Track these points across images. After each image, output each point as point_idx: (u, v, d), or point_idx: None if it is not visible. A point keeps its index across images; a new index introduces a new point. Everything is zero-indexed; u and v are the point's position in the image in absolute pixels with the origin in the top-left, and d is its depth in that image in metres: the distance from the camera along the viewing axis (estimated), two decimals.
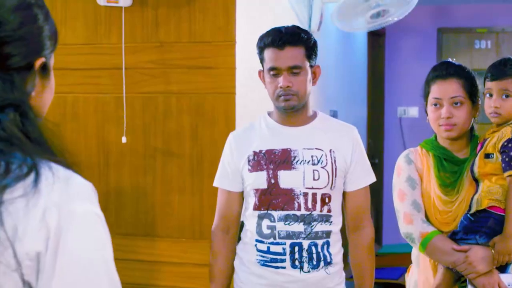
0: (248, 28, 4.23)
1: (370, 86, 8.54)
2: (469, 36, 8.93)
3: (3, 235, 1.23)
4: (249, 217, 3.17)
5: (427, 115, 3.23)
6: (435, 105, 3.14)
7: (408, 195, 3.15)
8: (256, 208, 3.13)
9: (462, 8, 8.83)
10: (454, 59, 3.34)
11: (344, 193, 3.21)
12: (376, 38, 8.74)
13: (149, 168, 4.28)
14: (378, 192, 8.42)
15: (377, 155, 8.72)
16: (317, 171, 3.08)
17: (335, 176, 3.11)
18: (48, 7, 1.52)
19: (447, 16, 8.95)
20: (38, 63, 1.42)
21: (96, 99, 4.36)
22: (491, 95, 3.08)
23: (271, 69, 3.07)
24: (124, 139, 4.23)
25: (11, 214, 1.25)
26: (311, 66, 3.12)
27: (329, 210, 3.11)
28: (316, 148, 3.12)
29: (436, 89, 3.13)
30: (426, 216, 3.15)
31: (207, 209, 4.14)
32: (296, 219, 3.06)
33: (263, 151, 3.13)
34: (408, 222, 3.13)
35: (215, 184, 3.28)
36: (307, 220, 3.07)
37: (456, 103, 3.09)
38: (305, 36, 3.10)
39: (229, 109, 4.11)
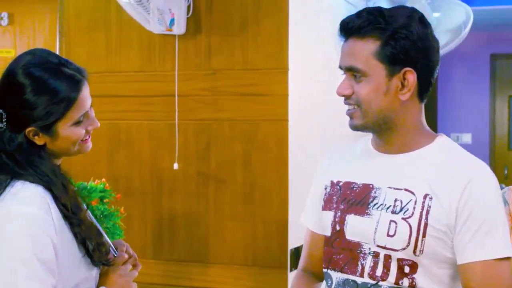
0: (301, 55, 4.23)
1: None
2: None
3: None
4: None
5: None
6: None
7: None
8: (323, 262, 2.20)
9: None
10: None
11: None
12: None
13: (201, 194, 4.29)
14: None
15: None
16: (395, 223, 2.01)
17: (423, 236, 1.98)
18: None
19: (500, 42, 8.87)
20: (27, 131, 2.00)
21: (149, 126, 4.40)
22: None
23: (339, 67, 2.12)
24: (176, 166, 4.26)
25: None
26: (392, 71, 2.02)
27: (412, 285, 2.00)
28: (405, 189, 2.03)
29: None
30: None
31: (260, 235, 4.14)
32: None
33: (341, 183, 2.17)
34: None
35: (301, 219, 2.37)
36: None
37: None
38: (383, 24, 2.00)
39: (281, 136, 4.11)
